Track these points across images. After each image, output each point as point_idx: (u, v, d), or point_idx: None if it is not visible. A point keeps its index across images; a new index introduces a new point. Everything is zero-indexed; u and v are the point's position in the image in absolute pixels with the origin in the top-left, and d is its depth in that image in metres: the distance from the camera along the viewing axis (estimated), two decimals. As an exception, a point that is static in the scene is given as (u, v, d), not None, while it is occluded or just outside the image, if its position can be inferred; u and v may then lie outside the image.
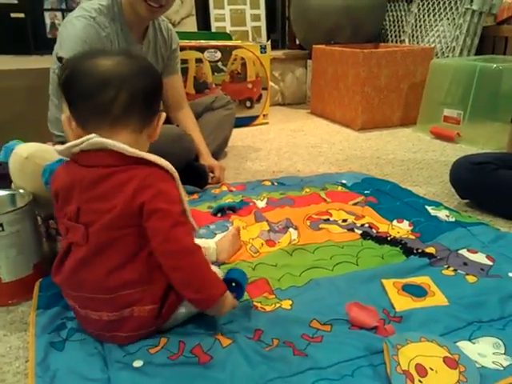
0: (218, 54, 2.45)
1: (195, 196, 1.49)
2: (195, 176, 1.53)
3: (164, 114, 0.82)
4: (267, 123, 2.60)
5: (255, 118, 2.58)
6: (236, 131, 2.09)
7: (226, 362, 0.74)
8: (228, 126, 1.97)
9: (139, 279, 0.74)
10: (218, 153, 1.91)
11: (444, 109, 2.22)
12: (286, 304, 0.90)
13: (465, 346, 0.78)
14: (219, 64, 2.46)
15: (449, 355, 0.74)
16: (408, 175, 1.70)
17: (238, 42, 2.60)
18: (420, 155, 1.96)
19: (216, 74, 2.45)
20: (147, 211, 0.71)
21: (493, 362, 0.74)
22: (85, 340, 0.80)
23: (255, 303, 0.89)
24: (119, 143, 0.71)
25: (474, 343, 0.79)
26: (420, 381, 0.69)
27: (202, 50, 2.40)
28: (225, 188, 1.53)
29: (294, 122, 2.66)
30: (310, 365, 0.73)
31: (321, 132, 2.41)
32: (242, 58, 2.48)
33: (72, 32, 1.36)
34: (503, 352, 0.77)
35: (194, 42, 2.42)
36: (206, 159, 1.66)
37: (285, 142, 2.22)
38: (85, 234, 0.73)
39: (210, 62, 2.43)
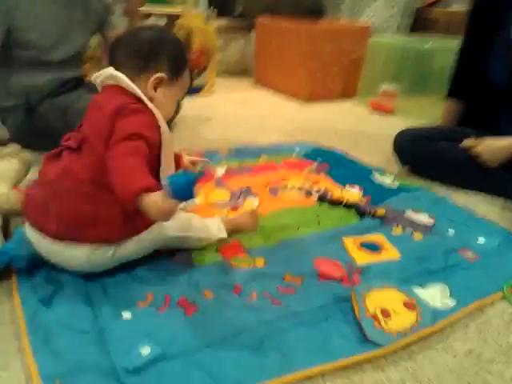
0: (162, 22, 2.41)
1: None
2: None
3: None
4: (213, 93, 2.62)
5: (201, 88, 2.58)
6: (183, 101, 2.09)
7: (211, 311, 0.80)
8: None
9: None
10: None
11: (381, 84, 2.36)
12: (260, 262, 0.96)
13: (418, 291, 0.89)
14: (164, 32, 2.42)
15: (407, 299, 0.85)
16: (353, 145, 1.81)
17: (183, 11, 2.56)
18: (361, 127, 2.09)
19: (161, 41, 2.41)
20: None
21: (441, 303, 0.86)
22: (71, 295, 0.82)
23: (232, 262, 0.95)
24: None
25: (424, 289, 0.90)
26: (385, 321, 0.80)
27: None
28: (183, 157, 1.55)
29: (240, 91, 2.69)
30: (288, 312, 0.81)
31: (267, 102, 2.47)
32: (188, 28, 2.46)
33: None
34: (449, 295, 0.89)
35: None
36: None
37: (233, 111, 2.25)
38: None
39: (154, 29, 2.38)
